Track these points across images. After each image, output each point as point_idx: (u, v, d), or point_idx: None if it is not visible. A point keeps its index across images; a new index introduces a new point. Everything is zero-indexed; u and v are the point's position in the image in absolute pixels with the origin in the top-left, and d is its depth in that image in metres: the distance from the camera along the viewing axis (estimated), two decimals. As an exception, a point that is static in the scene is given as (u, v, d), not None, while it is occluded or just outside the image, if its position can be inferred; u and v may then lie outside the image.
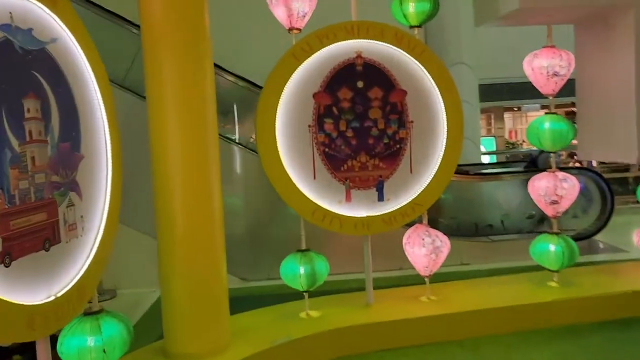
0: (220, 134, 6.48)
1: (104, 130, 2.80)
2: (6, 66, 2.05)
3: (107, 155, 2.81)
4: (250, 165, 6.39)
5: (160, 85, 3.31)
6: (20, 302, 2.04)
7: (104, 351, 2.63)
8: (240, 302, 4.54)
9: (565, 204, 4.29)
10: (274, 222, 6.37)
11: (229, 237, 6.16)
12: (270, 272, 6.07)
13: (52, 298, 2.26)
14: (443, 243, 4.09)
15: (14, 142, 2.07)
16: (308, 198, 3.93)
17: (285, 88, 3.83)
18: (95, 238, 2.67)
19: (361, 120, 4.00)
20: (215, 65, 6.42)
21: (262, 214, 6.46)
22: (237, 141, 6.74)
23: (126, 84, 6.04)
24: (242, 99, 7.02)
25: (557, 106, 4.43)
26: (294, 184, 3.89)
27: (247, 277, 6.31)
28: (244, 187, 6.50)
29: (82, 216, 2.55)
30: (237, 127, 7.25)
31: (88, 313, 2.73)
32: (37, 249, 2.20)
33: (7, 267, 2.00)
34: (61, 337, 2.67)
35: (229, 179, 6.42)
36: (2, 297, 1.94)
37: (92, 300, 2.71)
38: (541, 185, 4.33)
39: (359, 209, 4.04)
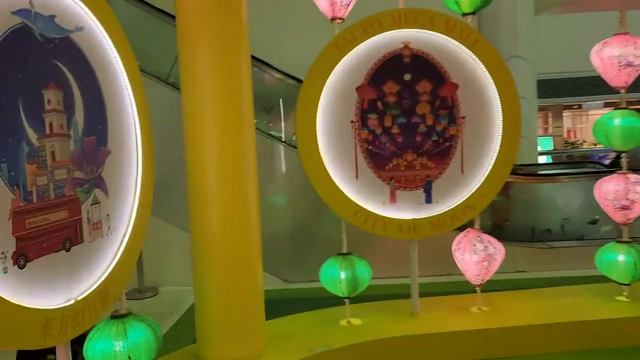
0: (264, 131, 6.38)
1: (135, 125, 2.67)
2: (24, 54, 1.93)
3: (137, 151, 2.68)
4: (294, 163, 6.22)
5: (194, 79, 3.17)
6: (35, 307, 1.91)
7: (129, 357, 2.49)
8: (280, 305, 4.38)
9: (638, 210, 3.86)
10: (318, 221, 6.17)
11: (272, 236, 6.02)
12: (313, 274, 5.88)
13: (72, 302, 2.13)
14: (497, 250, 3.76)
15: (32, 136, 1.95)
16: (350, 199, 3.70)
17: (327, 82, 3.61)
18: (123, 238, 2.54)
19: (408, 115, 3.73)
20: (259, 60, 6.33)
21: (306, 213, 6.27)
22: (282, 139, 6.58)
23: (170, 80, 6.00)
24: (287, 94, 6.86)
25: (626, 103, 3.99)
26: (334, 184, 3.67)
27: (289, 278, 6.15)
28: (288, 185, 6.34)
29: (108, 214, 2.42)
30: (282, 124, 7.09)
31: (115, 316, 2.60)
32: (57, 249, 2.08)
33: (21, 268, 1.87)
34: (87, 340, 2.55)
35: (273, 177, 6.28)
36: (13, 301, 1.81)
37: (119, 302, 2.58)
38: (610, 189, 3.91)
39: (405, 211, 3.77)
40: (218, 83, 3.15)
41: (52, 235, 2.05)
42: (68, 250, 2.14)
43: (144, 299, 5.70)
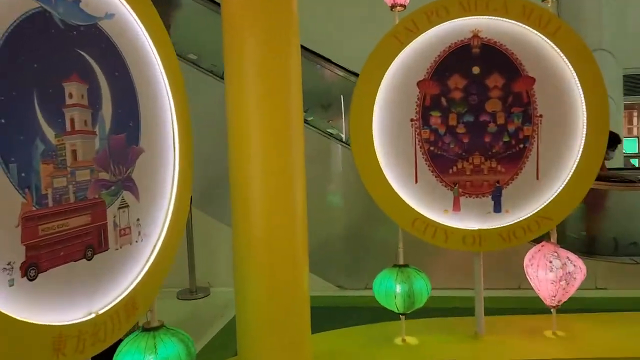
0: (321, 130, 6.10)
1: (172, 122, 2.46)
2: (40, 42, 1.74)
3: (174, 150, 2.47)
4: (353, 163, 5.92)
5: (239, 72, 2.92)
6: (45, 322, 1.72)
7: (159, 374, 2.29)
8: (333, 313, 4.11)
9: None
10: (377, 225, 5.84)
11: (327, 239, 5.75)
12: (369, 281, 5.58)
13: (92, 316, 1.93)
14: (577, 268, 3.29)
15: (49, 133, 1.76)
16: (408, 205, 3.35)
17: (385, 75, 3.27)
18: (155, 245, 2.33)
19: (476, 113, 3.33)
20: (315, 53, 6.05)
21: (364, 216, 5.95)
22: (342, 139, 6.29)
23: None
24: (346, 90, 6.55)
25: None
26: (391, 188, 3.33)
27: (344, 285, 5.85)
28: (345, 186, 6.04)
29: (138, 219, 2.22)
30: (343, 122, 6.79)
31: (146, 329, 2.41)
32: (77, 257, 1.88)
33: (31, 280, 1.69)
34: (116, 354, 2.38)
35: (330, 177, 6.01)
36: (17, 317, 1.62)
37: (150, 314, 2.39)
38: None
39: (470, 221, 3.38)
40: (263, 76, 2.89)
41: (71, 243, 1.85)
42: (90, 259, 1.95)
43: (195, 299, 5.59)
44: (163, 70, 2.40)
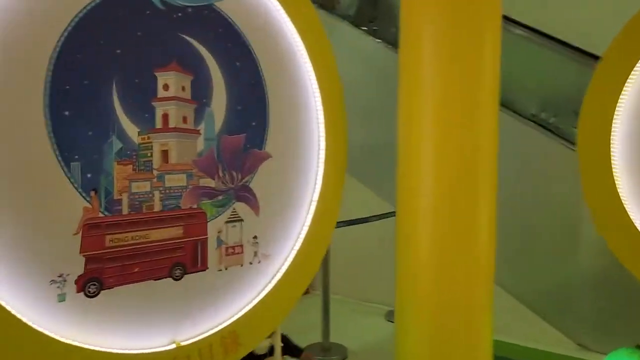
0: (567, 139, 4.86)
1: (317, 124, 2.04)
2: (127, 25, 1.51)
3: (318, 159, 2.05)
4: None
5: (416, 58, 2.29)
6: (103, 349, 1.48)
7: None
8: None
9: None
10: None
11: (570, 282, 4.55)
12: (624, 343, 4.21)
13: (173, 346, 1.64)
14: None
15: (130, 129, 1.52)
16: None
17: (637, 65, 2.23)
18: (278, 270, 1.94)
19: None
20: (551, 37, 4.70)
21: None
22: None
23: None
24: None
25: None
26: (634, 226, 2.25)
27: (588, 344, 4.56)
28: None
29: (255, 237, 1.86)
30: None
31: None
32: (159, 275, 1.61)
33: (91, 296, 1.46)
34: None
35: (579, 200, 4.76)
36: (62, 340, 1.40)
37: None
38: None
39: None
40: (448, 57, 2.17)
41: (150, 258, 1.59)
42: (178, 279, 1.66)
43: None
44: (308, 61, 1.99)
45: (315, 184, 2.05)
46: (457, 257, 2.22)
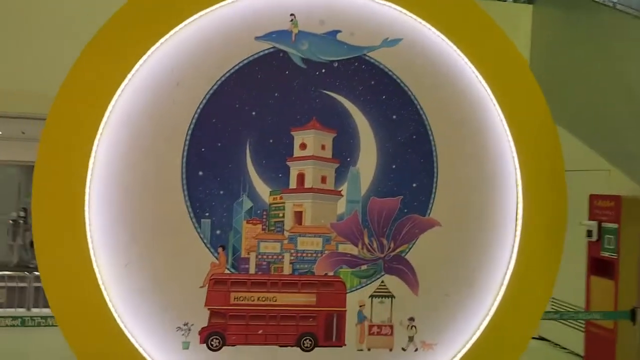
0: None
1: (517, 190, 1.61)
2: (263, 86, 1.54)
3: (514, 233, 1.60)
4: None
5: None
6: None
7: None
8: None
9: None
10: None
11: None
12: None
13: (293, 422, 1.52)
14: None
15: (261, 188, 1.53)
16: None
17: None
18: (448, 362, 1.58)
19: None
20: None
21: None
22: None
23: None
24: None
25: None
26: None
27: None
28: None
29: (412, 318, 1.57)
30: None
31: None
32: (285, 342, 1.54)
33: (213, 350, 1.51)
34: None
35: None
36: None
37: None
38: None
39: None
40: None
41: (277, 322, 1.53)
42: (308, 350, 1.54)
43: None
44: (502, 115, 1.59)
45: (510, 262, 1.59)
46: None
